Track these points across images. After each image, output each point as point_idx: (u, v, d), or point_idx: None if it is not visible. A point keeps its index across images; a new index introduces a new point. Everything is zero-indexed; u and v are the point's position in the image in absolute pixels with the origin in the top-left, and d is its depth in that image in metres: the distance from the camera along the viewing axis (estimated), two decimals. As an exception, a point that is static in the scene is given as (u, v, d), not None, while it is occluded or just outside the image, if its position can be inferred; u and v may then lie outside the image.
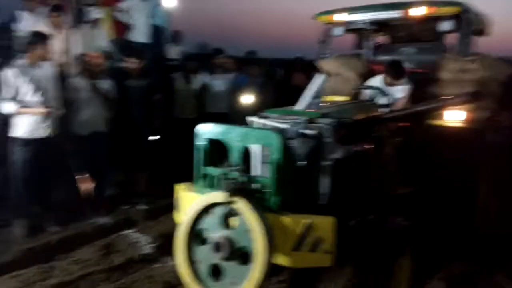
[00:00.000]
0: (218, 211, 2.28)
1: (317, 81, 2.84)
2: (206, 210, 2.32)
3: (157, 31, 6.10)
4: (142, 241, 3.83)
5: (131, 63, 4.58)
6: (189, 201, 2.53)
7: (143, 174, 4.76)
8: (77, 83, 4.22)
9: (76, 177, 4.09)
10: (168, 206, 4.56)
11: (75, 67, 4.65)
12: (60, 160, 4.09)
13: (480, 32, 4.37)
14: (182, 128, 5.28)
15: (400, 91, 3.96)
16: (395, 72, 3.91)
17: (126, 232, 4.00)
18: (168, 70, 5.92)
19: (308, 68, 7.56)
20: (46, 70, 3.86)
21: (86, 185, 4.10)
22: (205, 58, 6.50)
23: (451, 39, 4.43)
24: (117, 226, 4.11)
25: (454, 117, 3.59)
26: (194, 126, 5.39)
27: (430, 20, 4.03)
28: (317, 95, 2.92)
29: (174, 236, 3.81)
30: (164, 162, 5.17)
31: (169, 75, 5.69)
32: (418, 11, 3.82)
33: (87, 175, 4.10)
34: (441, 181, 3.40)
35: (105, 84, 4.31)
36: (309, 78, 7.06)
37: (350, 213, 2.55)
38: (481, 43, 4.51)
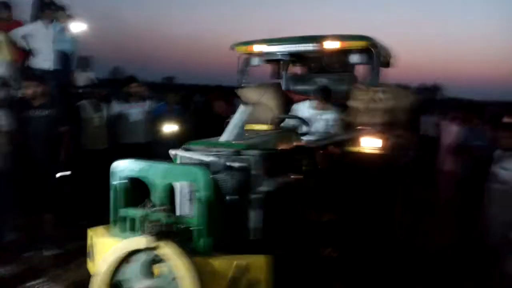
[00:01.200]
0: (141, 259, 2.04)
1: (242, 111, 2.78)
2: (127, 258, 2.07)
3: (63, 57, 5.64)
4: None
5: (30, 89, 4.13)
6: (105, 248, 2.25)
7: (49, 215, 4.25)
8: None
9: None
10: (79, 250, 4.08)
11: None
12: None
13: (387, 64, 4.76)
14: (92, 160, 4.92)
15: (329, 119, 4.13)
16: (324, 96, 4.10)
17: (30, 283, 3.49)
18: (76, 99, 5.48)
19: (229, 96, 7.63)
20: None
21: None
22: (119, 84, 6.16)
23: (362, 70, 4.77)
24: (20, 277, 3.58)
25: (369, 144, 3.80)
26: (105, 158, 5.06)
27: (342, 53, 4.28)
28: (242, 126, 2.86)
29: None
30: (74, 200, 4.70)
31: (77, 104, 5.27)
32: (331, 45, 4.03)
33: None
34: (362, 204, 3.55)
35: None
36: (229, 106, 7.12)
37: (282, 246, 2.48)
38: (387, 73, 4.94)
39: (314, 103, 4.17)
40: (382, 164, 3.71)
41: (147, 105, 5.83)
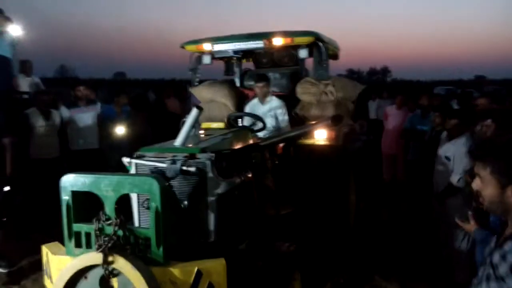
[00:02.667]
0: (95, 274, 2.01)
1: (194, 114, 2.76)
2: (83, 273, 2.03)
3: (3, 63, 5.31)
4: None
5: None
6: (59, 265, 2.19)
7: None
8: None
9: None
10: (34, 265, 3.96)
11: None
12: None
13: (334, 56, 4.90)
14: (42, 170, 4.71)
15: (275, 108, 4.20)
16: (263, 83, 4.17)
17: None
18: (22, 106, 5.17)
19: (182, 92, 7.52)
20: None
21: None
22: (67, 84, 5.86)
23: (310, 64, 4.88)
24: None
25: (320, 135, 3.92)
26: (56, 166, 4.84)
27: (289, 48, 4.35)
28: (195, 128, 2.85)
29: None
30: (24, 213, 4.49)
31: (21, 112, 4.98)
32: (276, 41, 4.09)
33: None
34: (317, 195, 3.67)
35: None
36: (183, 103, 6.99)
37: (239, 244, 2.52)
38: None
39: (258, 93, 4.22)
40: (334, 155, 3.84)
41: (97, 108, 5.65)
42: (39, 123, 4.88)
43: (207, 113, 4.46)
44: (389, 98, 8.95)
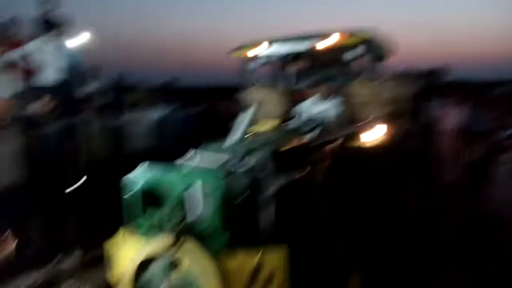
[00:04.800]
0: (162, 261, 2.14)
1: (247, 113, 2.86)
2: (148, 262, 2.17)
3: (69, 71, 5.74)
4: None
5: (42, 106, 4.26)
6: (126, 256, 2.35)
7: (70, 225, 4.37)
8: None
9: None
10: (99, 257, 4.24)
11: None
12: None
13: (384, 55, 4.82)
14: (100, 170, 4.98)
15: (330, 110, 4.21)
16: (322, 86, 4.26)
17: (62, 285, 3.62)
18: (83, 110, 5.56)
19: (230, 97, 7.73)
20: None
21: (6, 245, 3.74)
22: (122, 92, 6.23)
23: (361, 63, 4.82)
24: (53, 279, 3.71)
25: (375, 135, 3.87)
26: (113, 168, 5.15)
27: (341, 48, 4.34)
28: (247, 128, 2.94)
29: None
30: (88, 210, 4.81)
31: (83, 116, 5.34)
32: (328, 41, 4.08)
33: (8, 233, 3.74)
34: (372, 196, 3.61)
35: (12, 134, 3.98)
36: (233, 107, 7.19)
37: (295, 241, 2.56)
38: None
39: (315, 96, 4.23)
40: (389, 155, 3.77)
41: (152, 112, 5.96)
42: (97, 125, 5.19)
43: (256, 116, 4.54)
44: (447, 98, 8.61)
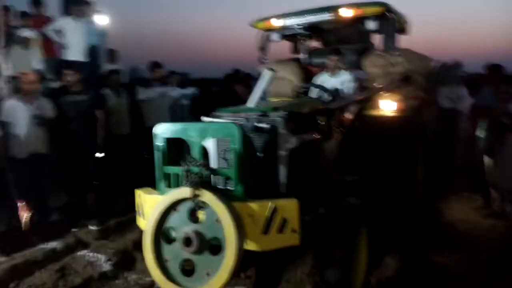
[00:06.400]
0: (184, 207, 2.28)
1: (265, 77, 2.97)
2: (172, 208, 2.32)
3: (92, 50, 5.95)
4: (98, 260, 3.68)
5: (69, 76, 4.49)
6: (152, 203, 2.51)
7: (91, 194, 4.59)
8: (12, 104, 4.06)
9: (18, 204, 3.88)
10: (118, 224, 4.47)
11: (8, 89, 4.46)
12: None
13: (402, 30, 4.83)
14: (117, 145, 5.14)
15: (345, 81, 4.29)
16: (336, 56, 4.33)
17: (80, 253, 3.82)
18: (100, 87, 5.75)
19: (246, 79, 7.84)
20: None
21: (23, 213, 3.91)
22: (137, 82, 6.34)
23: (378, 38, 4.86)
24: (69, 249, 3.92)
25: (388, 106, 3.93)
26: (128, 143, 5.34)
27: (357, 22, 4.40)
28: (266, 90, 3.05)
29: (131, 253, 3.77)
30: (108, 181, 5.01)
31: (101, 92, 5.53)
32: (346, 13, 4.14)
33: (24, 203, 3.91)
34: (383, 165, 3.69)
35: (42, 103, 4.19)
36: (247, 88, 7.29)
37: (307, 197, 2.68)
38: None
39: (329, 65, 4.33)
40: (401, 126, 3.82)
41: (169, 89, 6.12)
42: (114, 102, 5.31)
43: (275, 89, 4.64)
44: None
